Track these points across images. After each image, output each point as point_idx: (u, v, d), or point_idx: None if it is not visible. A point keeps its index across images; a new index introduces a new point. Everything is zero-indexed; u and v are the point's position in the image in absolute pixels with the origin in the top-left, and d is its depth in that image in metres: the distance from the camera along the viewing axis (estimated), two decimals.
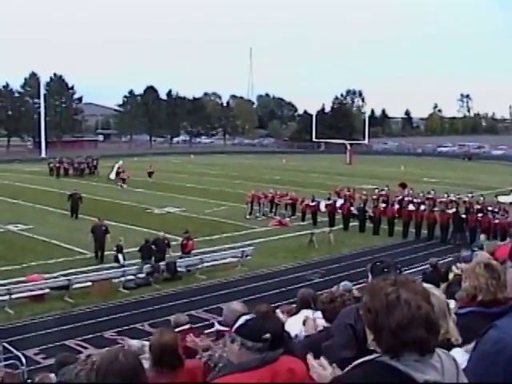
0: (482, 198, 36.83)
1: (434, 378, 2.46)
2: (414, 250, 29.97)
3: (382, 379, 2.46)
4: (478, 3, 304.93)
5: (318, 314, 6.59)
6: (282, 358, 3.90)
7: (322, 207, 37.86)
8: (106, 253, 26.96)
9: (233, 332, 3.97)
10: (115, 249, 26.02)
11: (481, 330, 2.91)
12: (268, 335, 3.78)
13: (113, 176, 56.94)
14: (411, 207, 34.64)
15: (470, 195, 39.39)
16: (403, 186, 41.72)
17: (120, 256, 25.71)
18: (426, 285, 3.13)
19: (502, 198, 40.18)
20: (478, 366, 2.72)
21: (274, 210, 39.84)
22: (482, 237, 21.36)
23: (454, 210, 33.85)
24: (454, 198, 37.07)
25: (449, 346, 3.41)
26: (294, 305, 10.79)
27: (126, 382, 3.28)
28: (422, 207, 34.62)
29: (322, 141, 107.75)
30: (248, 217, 38.63)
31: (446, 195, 38.41)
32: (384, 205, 35.84)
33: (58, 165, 64.94)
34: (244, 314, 4.19)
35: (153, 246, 25.42)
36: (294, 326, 6.70)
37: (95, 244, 27.08)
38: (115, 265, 25.39)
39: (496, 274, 4.15)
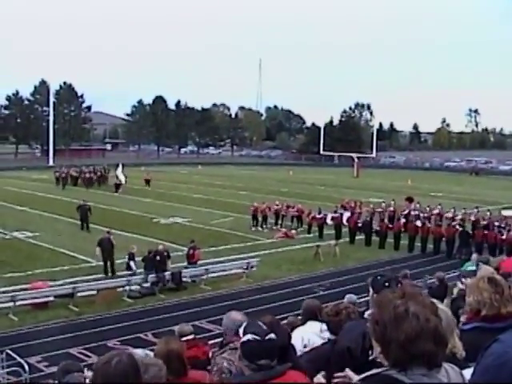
0: (488, 214, 36.74)
1: None
2: (420, 264, 29.82)
3: None
4: (489, 17, 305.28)
5: (325, 326, 6.56)
6: (289, 372, 3.88)
7: (329, 220, 37.85)
8: (116, 261, 26.78)
9: (239, 343, 3.98)
10: (127, 256, 25.96)
11: (485, 345, 2.89)
12: (263, 362, 3.77)
13: (123, 179, 57.86)
14: (418, 223, 34.54)
15: (475, 210, 39.25)
16: (410, 200, 41.50)
17: (132, 263, 25.67)
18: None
19: (506, 212, 40.20)
20: (481, 379, 2.70)
21: (280, 222, 39.72)
22: (474, 256, 21.16)
23: (460, 224, 33.80)
24: (460, 214, 36.92)
25: (454, 360, 3.38)
26: (300, 317, 10.77)
27: None
28: (428, 222, 34.59)
29: (331, 154, 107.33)
30: (253, 229, 38.54)
31: (452, 210, 38.34)
32: (389, 225, 35.71)
33: (63, 175, 63.30)
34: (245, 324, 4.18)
35: (157, 257, 25.37)
36: (300, 337, 6.66)
37: (103, 257, 26.58)
38: (125, 273, 25.42)
39: (500, 289, 4.12)
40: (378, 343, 2.55)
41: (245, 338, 3.89)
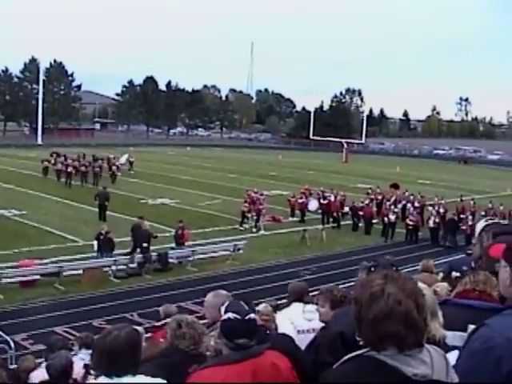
0: (472, 203, 36.75)
1: (423, 371, 2.48)
2: (406, 251, 30.00)
3: (371, 373, 2.48)
4: (480, 6, 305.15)
5: (309, 307, 6.65)
6: (267, 352, 3.94)
7: (312, 206, 37.65)
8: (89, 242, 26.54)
9: (219, 322, 4.04)
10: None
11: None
12: (242, 341, 3.83)
13: (123, 160, 57.76)
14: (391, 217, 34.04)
15: (458, 199, 39.31)
16: (395, 186, 41.17)
17: (95, 243, 25.21)
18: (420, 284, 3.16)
19: None
20: (467, 363, 2.77)
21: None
22: (363, 264, 18.54)
23: (442, 212, 33.99)
24: (441, 204, 36.77)
25: (437, 344, 3.44)
26: (284, 300, 10.82)
27: (104, 360, 3.50)
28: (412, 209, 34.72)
29: (323, 139, 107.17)
30: (241, 228, 34.41)
31: (435, 199, 38.33)
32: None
33: (71, 168, 49.01)
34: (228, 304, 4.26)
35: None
36: (285, 319, 6.74)
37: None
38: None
39: None
40: (355, 322, 2.62)
41: (225, 317, 3.95)
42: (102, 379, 3.52)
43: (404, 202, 37.46)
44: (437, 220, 33.23)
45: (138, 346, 3.67)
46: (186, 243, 27.44)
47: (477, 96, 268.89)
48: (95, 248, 25.14)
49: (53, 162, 53.58)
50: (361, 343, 2.62)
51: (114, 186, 45.93)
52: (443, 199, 38.42)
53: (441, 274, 12.90)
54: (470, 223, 32.27)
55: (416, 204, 37.15)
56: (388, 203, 36.44)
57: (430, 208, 35.73)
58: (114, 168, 51.71)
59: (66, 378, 6.25)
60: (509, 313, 2.85)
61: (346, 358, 2.65)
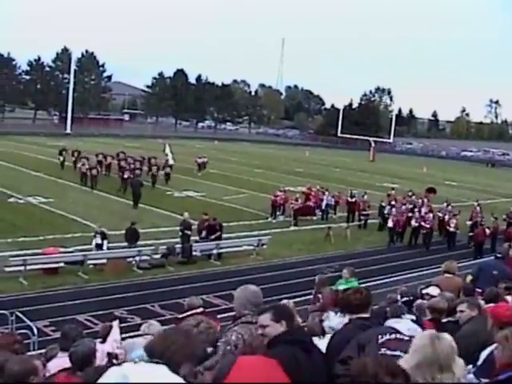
0: (478, 208, 35.27)
1: None
2: (428, 252, 29.83)
3: None
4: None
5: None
6: None
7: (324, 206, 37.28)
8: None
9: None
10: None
11: None
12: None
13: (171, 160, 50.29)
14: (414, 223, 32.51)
15: (475, 203, 37.42)
16: (432, 190, 39.52)
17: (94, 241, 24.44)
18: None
19: None
20: None
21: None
22: (345, 272, 14.73)
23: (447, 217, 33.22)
24: (450, 208, 35.36)
25: None
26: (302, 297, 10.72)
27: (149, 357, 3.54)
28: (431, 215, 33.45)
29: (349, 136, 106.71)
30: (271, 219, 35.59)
31: (445, 204, 36.52)
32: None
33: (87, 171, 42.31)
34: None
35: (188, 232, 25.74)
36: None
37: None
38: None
39: None
40: None
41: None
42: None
43: (411, 206, 35.21)
44: (452, 224, 32.25)
45: (185, 350, 3.70)
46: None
47: (507, 99, 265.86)
48: (93, 245, 24.36)
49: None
50: None
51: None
52: (450, 203, 36.57)
53: (469, 277, 12.80)
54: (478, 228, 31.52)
55: (424, 208, 34.20)
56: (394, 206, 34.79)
57: (440, 214, 34.48)
58: (154, 170, 45.52)
59: (89, 366, 6.27)
60: None
61: None
